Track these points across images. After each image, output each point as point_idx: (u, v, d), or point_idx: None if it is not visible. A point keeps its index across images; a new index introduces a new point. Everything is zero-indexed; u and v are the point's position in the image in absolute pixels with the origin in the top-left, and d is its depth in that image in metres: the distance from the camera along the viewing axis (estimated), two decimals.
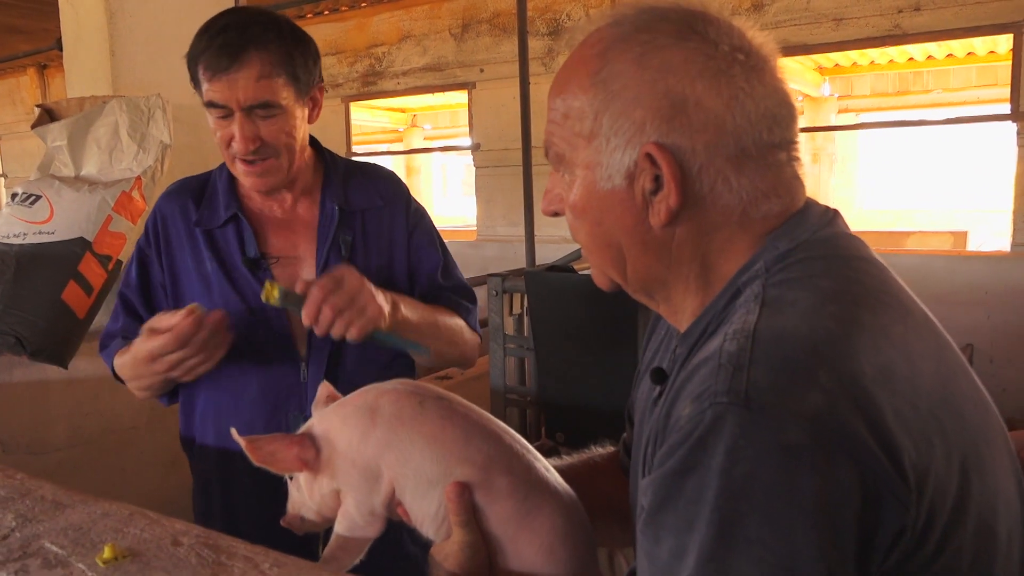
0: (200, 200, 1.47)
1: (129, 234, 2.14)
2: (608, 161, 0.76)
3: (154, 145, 2.19)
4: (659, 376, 0.82)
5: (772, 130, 0.74)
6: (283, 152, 1.37)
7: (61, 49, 3.39)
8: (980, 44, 5.99)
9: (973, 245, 8.37)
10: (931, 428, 0.65)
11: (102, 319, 2.40)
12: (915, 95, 8.38)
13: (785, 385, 0.62)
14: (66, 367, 2.02)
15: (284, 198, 1.46)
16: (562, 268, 2.38)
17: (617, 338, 2.14)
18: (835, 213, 0.80)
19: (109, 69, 2.25)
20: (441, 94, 7.62)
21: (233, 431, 0.93)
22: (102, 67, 2.27)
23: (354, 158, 1.75)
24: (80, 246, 2.05)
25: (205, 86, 1.31)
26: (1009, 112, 4.61)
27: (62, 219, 2.06)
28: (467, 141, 7.14)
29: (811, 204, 0.79)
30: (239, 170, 1.38)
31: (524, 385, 2.58)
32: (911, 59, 6.86)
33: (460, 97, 7.98)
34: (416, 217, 1.55)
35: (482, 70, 6.52)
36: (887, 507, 0.61)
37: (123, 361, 1.41)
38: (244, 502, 1.43)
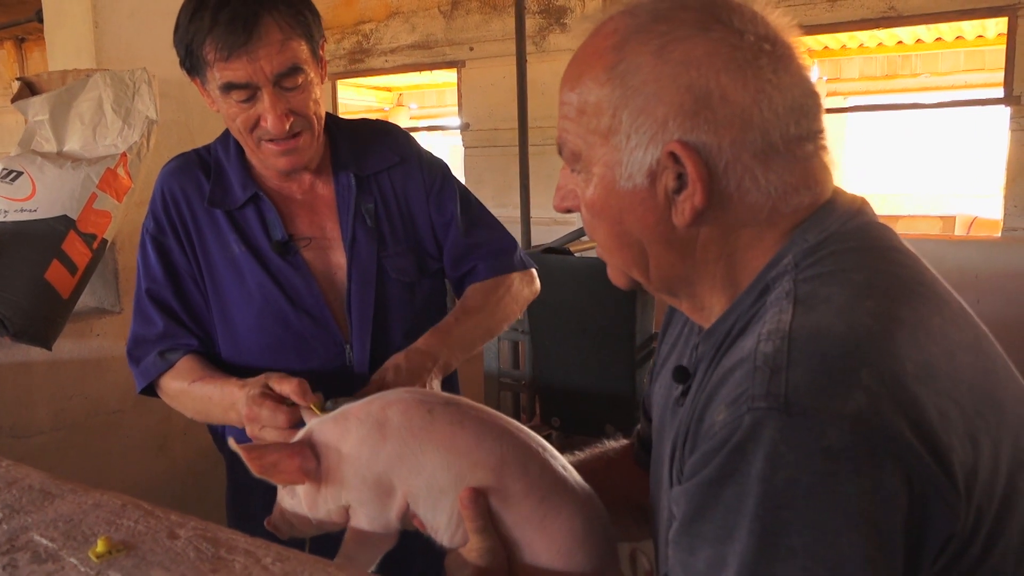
0: (209, 176, 1.35)
1: (114, 212, 2.08)
2: (628, 160, 0.72)
3: (140, 121, 2.12)
4: (681, 375, 0.80)
5: (800, 122, 0.71)
6: (313, 123, 1.26)
7: (41, 21, 3.30)
8: (969, 28, 5.98)
9: (958, 230, 8.40)
10: (976, 426, 0.62)
11: (87, 299, 2.34)
12: (903, 79, 8.37)
13: (825, 386, 0.60)
14: (50, 348, 1.96)
15: (303, 178, 1.36)
16: (559, 250, 2.34)
17: (614, 322, 2.11)
18: (863, 202, 0.77)
19: (93, 41, 2.17)
20: (428, 73, 7.52)
21: (231, 440, 0.90)
22: (85, 39, 2.19)
23: None
24: (64, 224, 1.98)
25: (218, 68, 1.17)
26: (1002, 96, 4.60)
27: (45, 196, 2.00)
28: (454, 121, 7.05)
29: (839, 193, 0.76)
30: (268, 152, 1.25)
31: (518, 369, 2.55)
32: (900, 42, 6.84)
33: (447, 76, 7.88)
34: (431, 171, 1.43)
35: (472, 48, 6.42)
36: (935, 511, 0.59)
37: (202, 393, 1.25)
38: None
